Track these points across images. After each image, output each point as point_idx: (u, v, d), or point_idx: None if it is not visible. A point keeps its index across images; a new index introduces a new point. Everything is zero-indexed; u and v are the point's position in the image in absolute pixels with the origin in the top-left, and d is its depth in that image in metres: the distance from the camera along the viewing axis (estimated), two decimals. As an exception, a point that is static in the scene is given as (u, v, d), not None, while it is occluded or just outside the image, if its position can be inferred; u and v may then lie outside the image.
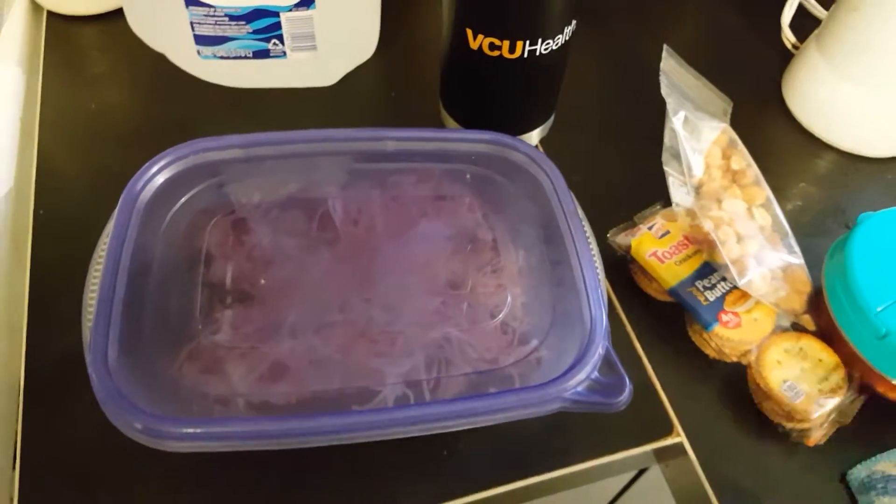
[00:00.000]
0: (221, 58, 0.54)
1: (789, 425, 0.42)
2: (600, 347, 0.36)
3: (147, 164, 0.42)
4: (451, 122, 0.54)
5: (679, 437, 0.42)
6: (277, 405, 0.37)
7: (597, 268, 0.41)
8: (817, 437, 0.42)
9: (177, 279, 0.45)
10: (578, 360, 0.36)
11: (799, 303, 0.44)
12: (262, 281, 0.42)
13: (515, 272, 0.46)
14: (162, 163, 0.42)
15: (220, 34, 0.52)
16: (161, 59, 0.55)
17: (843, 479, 0.41)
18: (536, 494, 0.42)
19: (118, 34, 0.59)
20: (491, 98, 0.50)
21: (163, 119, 0.55)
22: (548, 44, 0.45)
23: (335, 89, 0.57)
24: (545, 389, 0.35)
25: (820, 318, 0.44)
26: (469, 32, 0.45)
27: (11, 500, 0.38)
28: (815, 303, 0.45)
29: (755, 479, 0.41)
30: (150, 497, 0.38)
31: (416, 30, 0.65)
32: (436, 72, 0.53)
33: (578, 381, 0.35)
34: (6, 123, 0.54)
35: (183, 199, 0.44)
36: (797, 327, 0.44)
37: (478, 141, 0.46)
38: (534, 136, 0.54)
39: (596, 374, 0.36)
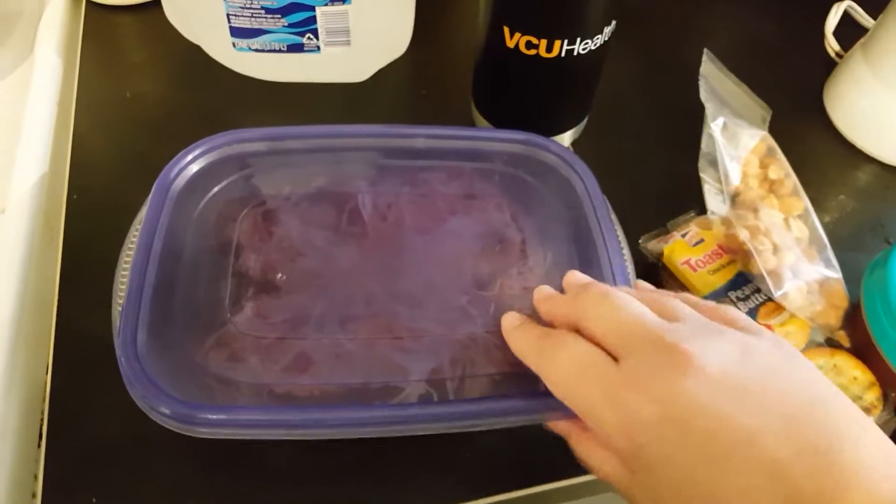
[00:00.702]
0: (256, 51, 0.54)
1: (820, 443, 0.41)
2: None
3: (181, 153, 0.42)
4: (482, 121, 0.53)
5: (705, 449, 0.41)
6: (301, 396, 0.37)
7: (629, 274, 0.40)
8: (849, 456, 0.40)
9: (206, 267, 0.45)
10: None
11: (835, 318, 0.43)
12: (290, 272, 0.42)
13: (543, 274, 0.46)
14: (196, 152, 0.43)
15: (256, 27, 0.52)
16: (196, 49, 0.55)
17: (875, 501, 0.40)
18: (560, 499, 0.41)
19: (155, 24, 0.59)
20: (525, 98, 0.49)
21: (196, 109, 0.56)
22: (586, 44, 0.45)
23: (367, 85, 0.57)
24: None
25: (856, 335, 0.43)
26: (506, 30, 0.45)
27: (36, 477, 0.39)
28: (852, 319, 0.43)
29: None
30: (172, 479, 0.39)
31: (449, 26, 0.65)
32: (468, 69, 0.53)
33: None
34: (44, 109, 0.55)
35: (215, 189, 0.45)
36: (831, 343, 0.43)
37: (510, 141, 0.46)
38: (566, 138, 0.53)
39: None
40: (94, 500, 0.37)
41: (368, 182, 0.44)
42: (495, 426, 0.36)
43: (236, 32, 0.53)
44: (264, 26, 0.52)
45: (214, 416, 0.34)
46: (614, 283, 0.39)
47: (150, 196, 0.41)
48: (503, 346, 0.38)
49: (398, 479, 0.39)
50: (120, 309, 0.37)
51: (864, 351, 0.42)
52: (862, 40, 0.57)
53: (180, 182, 0.42)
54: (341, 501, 0.39)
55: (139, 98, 0.57)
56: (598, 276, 0.40)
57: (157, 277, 0.39)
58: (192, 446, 0.38)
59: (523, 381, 0.38)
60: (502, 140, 0.45)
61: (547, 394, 0.34)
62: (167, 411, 0.33)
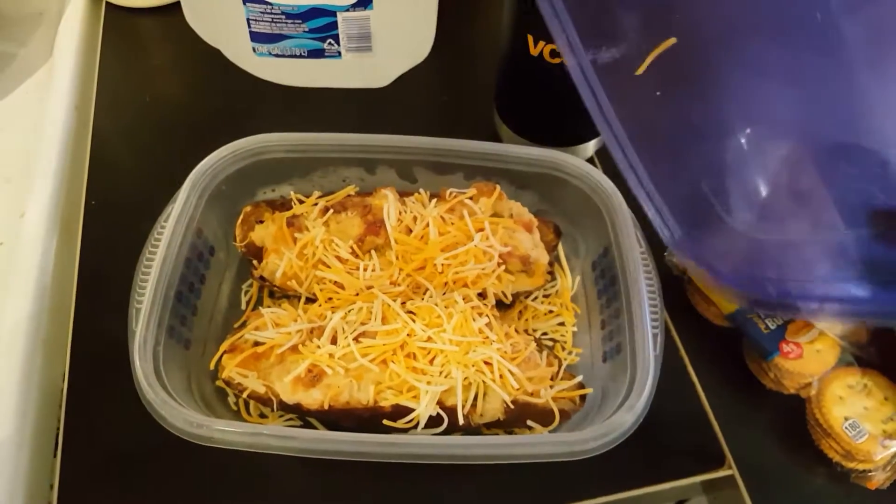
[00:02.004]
0: (276, 56, 0.53)
1: (849, 465, 0.40)
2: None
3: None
4: (504, 128, 0.52)
5: (730, 469, 0.40)
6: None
7: (654, 294, 0.39)
8: (879, 480, 0.39)
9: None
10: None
11: (865, 336, 0.42)
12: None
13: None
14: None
15: (277, 32, 0.52)
16: (216, 54, 0.55)
17: (906, 526, 0.39)
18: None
19: (174, 28, 0.59)
20: (548, 106, 0.49)
21: (216, 114, 0.55)
22: (612, 53, 0.44)
23: (388, 91, 0.56)
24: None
25: (888, 354, 0.41)
26: (530, 39, 0.44)
27: (52, 486, 0.39)
28: (883, 337, 0.42)
29: (809, 520, 0.39)
30: (187, 492, 0.38)
31: (471, 33, 0.64)
32: (490, 77, 0.52)
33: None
34: (63, 112, 0.54)
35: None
36: (862, 362, 0.42)
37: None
38: (590, 148, 0.52)
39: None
40: (109, 512, 0.37)
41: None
42: (500, 462, 0.34)
43: (256, 37, 0.52)
44: (285, 31, 0.52)
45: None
46: (640, 303, 0.38)
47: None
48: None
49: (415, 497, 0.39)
50: (138, 309, 0.36)
51: (894, 370, 0.41)
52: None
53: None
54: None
55: (158, 102, 0.57)
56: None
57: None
58: (208, 459, 0.38)
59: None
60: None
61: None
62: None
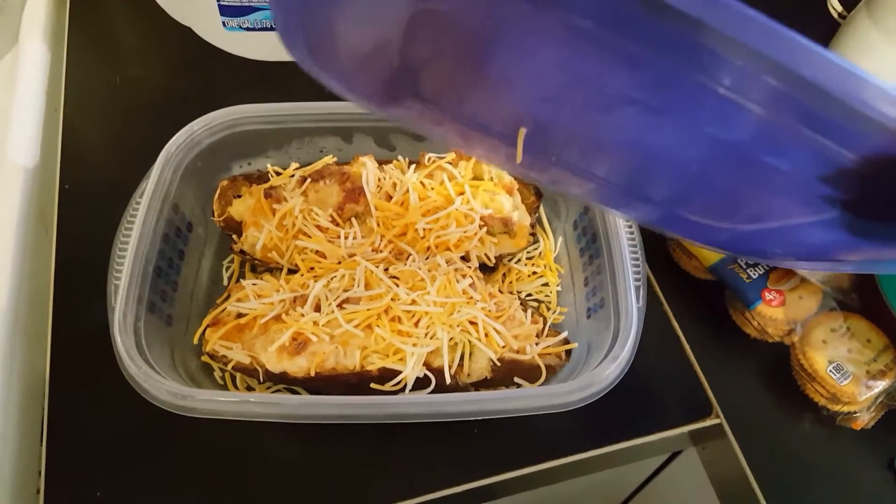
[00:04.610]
0: (247, 29, 0.53)
1: (834, 408, 0.40)
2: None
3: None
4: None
5: (718, 418, 0.41)
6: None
7: (636, 248, 0.39)
8: (864, 420, 0.40)
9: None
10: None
11: (847, 280, 0.43)
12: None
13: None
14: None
15: (246, 4, 0.51)
16: (187, 32, 0.54)
17: (891, 464, 0.39)
18: (567, 475, 0.40)
19: (143, 7, 0.58)
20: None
21: (189, 93, 0.54)
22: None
23: (362, 62, 0.55)
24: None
25: (869, 297, 0.42)
26: None
27: (40, 473, 0.38)
28: (864, 280, 0.43)
29: (797, 464, 0.40)
30: (175, 469, 0.38)
31: None
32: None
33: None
34: (31, 99, 0.53)
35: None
36: (844, 306, 0.42)
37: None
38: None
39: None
40: (98, 494, 0.37)
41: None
42: (491, 416, 0.35)
43: (226, 11, 0.51)
44: (254, 3, 0.51)
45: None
46: (622, 257, 0.38)
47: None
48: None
49: (407, 454, 0.39)
50: (117, 284, 0.36)
51: (878, 313, 0.41)
52: (865, -1, 0.55)
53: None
54: (335, 483, 0.38)
55: (129, 84, 0.56)
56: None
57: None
58: (194, 435, 0.38)
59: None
60: None
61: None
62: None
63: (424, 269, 0.40)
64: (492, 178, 0.44)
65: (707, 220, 0.31)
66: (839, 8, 0.61)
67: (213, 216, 0.43)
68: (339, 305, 0.38)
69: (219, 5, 0.51)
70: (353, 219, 0.42)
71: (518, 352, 0.37)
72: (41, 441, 0.39)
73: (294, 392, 0.39)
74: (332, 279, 0.39)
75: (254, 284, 0.39)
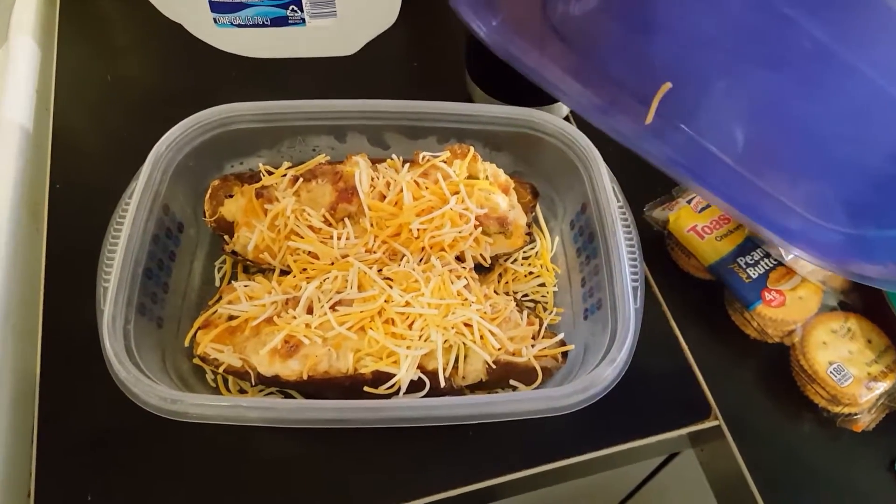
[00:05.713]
0: (238, 26, 0.52)
1: (835, 410, 0.40)
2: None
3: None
4: (477, 91, 0.51)
5: (716, 420, 0.40)
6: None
7: (633, 248, 0.38)
8: (865, 422, 0.39)
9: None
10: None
11: (848, 280, 0.42)
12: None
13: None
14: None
15: (237, 0, 0.50)
16: (178, 29, 0.53)
17: (892, 467, 0.39)
18: (563, 478, 0.40)
19: (134, 4, 0.57)
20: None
21: (180, 91, 0.54)
22: (581, 6, 0.43)
23: (356, 58, 0.55)
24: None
25: (870, 297, 0.41)
26: (498, -5, 0.43)
27: (31, 474, 0.38)
28: (865, 281, 0.42)
29: (796, 466, 0.39)
30: (165, 471, 0.38)
31: (439, -3, 0.62)
32: (460, 40, 0.51)
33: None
34: (22, 97, 0.53)
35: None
36: (845, 306, 0.42)
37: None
38: (564, 107, 0.51)
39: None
40: (89, 499, 0.36)
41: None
42: (486, 420, 0.34)
43: (217, 7, 0.51)
44: None
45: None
46: (619, 257, 0.37)
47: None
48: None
49: (403, 457, 0.38)
50: (106, 287, 0.35)
51: (879, 313, 0.41)
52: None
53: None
54: (329, 486, 0.38)
55: (120, 81, 0.55)
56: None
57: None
58: (184, 436, 0.37)
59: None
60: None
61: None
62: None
63: (419, 270, 0.39)
64: (487, 178, 0.44)
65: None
66: None
67: (205, 216, 0.42)
68: (332, 307, 0.37)
69: (210, 2, 0.50)
70: (346, 219, 0.41)
71: (514, 354, 0.36)
72: (32, 443, 0.39)
73: (287, 395, 0.38)
74: (324, 281, 0.39)
75: (245, 286, 0.39)
